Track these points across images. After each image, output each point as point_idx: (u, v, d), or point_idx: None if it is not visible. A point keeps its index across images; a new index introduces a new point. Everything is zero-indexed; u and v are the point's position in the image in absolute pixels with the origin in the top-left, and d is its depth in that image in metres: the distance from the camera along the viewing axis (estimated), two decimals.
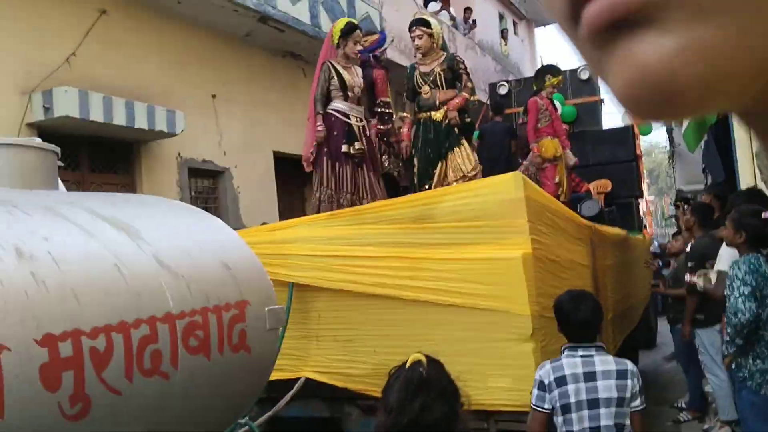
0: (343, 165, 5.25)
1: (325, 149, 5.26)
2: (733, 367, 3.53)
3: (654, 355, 7.03)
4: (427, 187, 5.36)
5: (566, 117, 9.71)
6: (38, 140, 2.36)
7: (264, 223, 4.74)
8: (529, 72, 17.66)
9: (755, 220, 3.48)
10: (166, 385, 2.18)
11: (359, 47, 5.41)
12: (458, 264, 3.41)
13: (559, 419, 2.63)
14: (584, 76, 10.01)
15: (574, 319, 2.72)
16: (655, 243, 9.07)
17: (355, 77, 5.37)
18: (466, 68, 5.64)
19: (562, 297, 2.85)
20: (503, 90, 10.58)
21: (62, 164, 2.50)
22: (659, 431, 5.76)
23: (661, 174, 36.58)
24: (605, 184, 9.39)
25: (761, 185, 4.45)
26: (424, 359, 1.78)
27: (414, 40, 5.56)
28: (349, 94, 5.33)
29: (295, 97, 9.42)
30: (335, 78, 5.30)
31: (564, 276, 3.95)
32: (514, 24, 18.09)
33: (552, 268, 3.69)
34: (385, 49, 6.49)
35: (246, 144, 8.71)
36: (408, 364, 1.78)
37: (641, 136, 10.70)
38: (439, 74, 5.47)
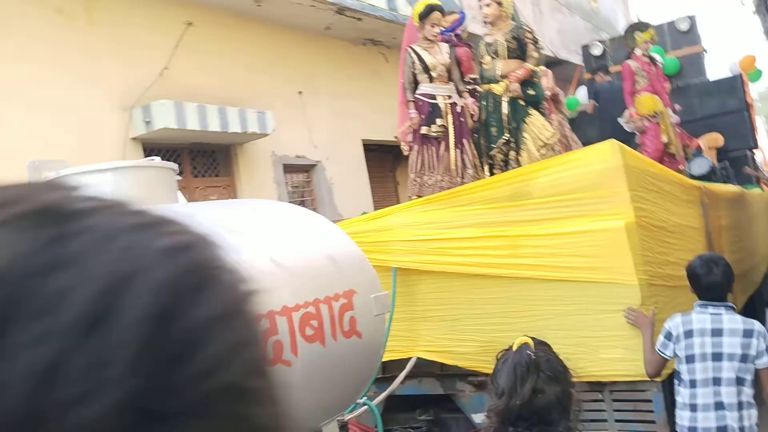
0: (430, 147, 5.30)
1: (418, 134, 5.36)
2: None
3: None
4: (491, 162, 5.31)
5: (669, 70, 9.28)
6: (158, 159, 2.63)
7: (365, 213, 4.92)
8: (623, 27, 16.94)
9: None
10: (289, 371, 2.41)
11: (438, 29, 5.43)
12: (559, 239, 3.44)
13: (683, 367, 2.86)
14: (683, 27, 9.54)
15: (706, 282, 2.90)
16: None
17: (438, 55, 5.39)
18: (534, 37, 5.43)
19: (695, 261, 3.03)
20: (597, 51, 10.27)
21: (180, 178, 2.78)
22: None
23: None
24: (716, 138, 8.94)
25: None
26: (531, 342, 1.81)
27: (482, 8, 5.46)
28: (433, 74, 5.37)
29: (380, 84, 9.60)
30: (417, 62, 5.37)
31: (672, 241, 3.89)
32: None
33: (659, 235, 3.65)
34: (466, 27, 6.48)
35: (335, 136, 8.98)
36: (515, 348, 1.81)
37: (751, 83, 10.06)
38: (502, 44, 5.32)
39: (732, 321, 2.85)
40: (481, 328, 3.68)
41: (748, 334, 2.82)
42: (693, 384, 2.84)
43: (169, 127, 6.69)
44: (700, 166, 7.55)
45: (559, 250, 3.42)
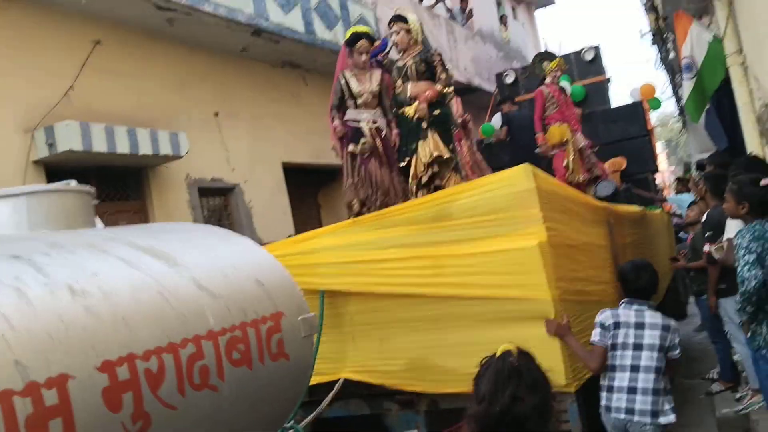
0: (360, 164, 5.46)
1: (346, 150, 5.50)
2: (748, 335, 3.59)
3: (684, 327, 7.16)
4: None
5: (575, 97, 9.89)
6: (74, 182, 2.60)
7: (291, 236, 4.96)
8: (531, 56, 17.86)
9: (756, 189, 3.54)
10: (216, 396, 2.42)
11: (365, 57, 5.57)
12: (478, 258, 3.62)
13: (608, 353, 3.38)
14: (589, 57, 10.20)
15: (634, 286, 3.47)
16: (674, 218, 9.22)
17: (366, 83, 5.55)
18: (441, 60, 5.63)
19: (626, 266, 3.65)
20: (509, 79, 10.79)
21: (97, 202, 2.74)
22: (692, 403, 5.94)
23: (680, 143, 36.50)
24: (620, 162, 9.55)
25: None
26: (514, 349, 1.82)
27: (392, 36, 5.66)
28: (359, 101, 5.54)
29: (299, 107, 9.67)
30: (345, 88, 5.55)
31: (581, 259, 4.16)
32: (513, 9, 18.21)
33: (569, 253, 3.90)
34: (388, 53, 6.70)
35: (253, 158, 8.94)
36: (498, 354, 1.82)
37: (651, 111, 10.85)
38: (412, 67, 5.52)
39: (653, 317, 3.37)
40: (407, 347, 3.79)
41: (665, 328, 3.34)
42: (613, 368, 3.33)
43: (74, 149, 6.46)
44: (605, 188, 8.05)
45: (479, 269, 3.59)
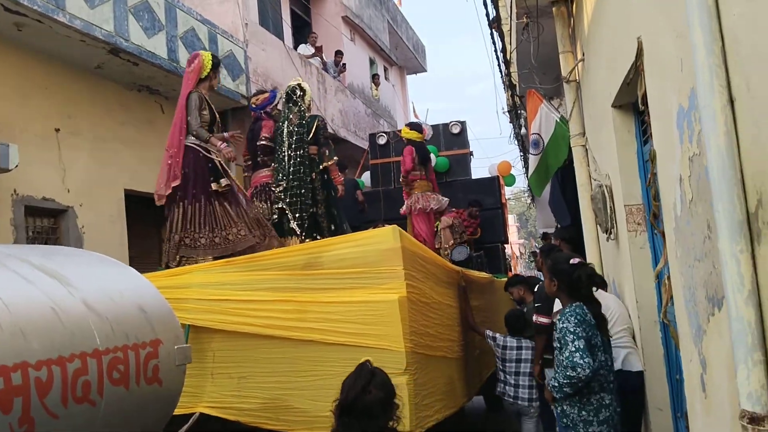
0: (212, 202, 5.67)
1: (189, 186, 5.62)
2: (558, 411, 3.64)
3: None
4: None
5: (440, 167, 10.88)
6: None
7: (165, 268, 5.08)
8: (399, 116, 19.05)
9: (566, 267, 3.63)
10: (93, 411, 2.68)
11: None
12: (342, 306, 4.10)
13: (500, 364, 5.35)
14: (455, 130, 11.30)
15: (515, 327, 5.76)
16: None
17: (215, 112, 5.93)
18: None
19: (509, 314, 5.83)
20: (382, 140, 11.60)
21: None
22: None
23: (531, 218, 39.60)
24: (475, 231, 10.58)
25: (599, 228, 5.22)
26: (371, 360, 2.53)
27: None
28: (214, 129, 5.83)
29: (152, 134, 9.21)
30: (206, 111, 5.78)
31: (433, 316, 4.76)
32: (385, 69, 19.39)
33: (423, 309, 4.48)
34: (276, 104, 7.09)
35: (93, 181, 8.41)
36: (361, 361, 2.55)
37: (506, 186, 12.09)
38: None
39: (527, 342, 5.68)
40: (265, 386, 4.14)
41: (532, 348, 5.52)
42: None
43: None
44: (460, 253, 8.90)
45: (342, 317, 4.06)
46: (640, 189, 4.07)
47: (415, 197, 9.17)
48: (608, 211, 4.44)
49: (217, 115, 5.95)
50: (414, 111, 19.45)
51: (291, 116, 6.61)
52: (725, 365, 2.05)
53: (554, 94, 7.52)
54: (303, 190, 6.41)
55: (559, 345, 3.53)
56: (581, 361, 3.33)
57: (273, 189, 6.55)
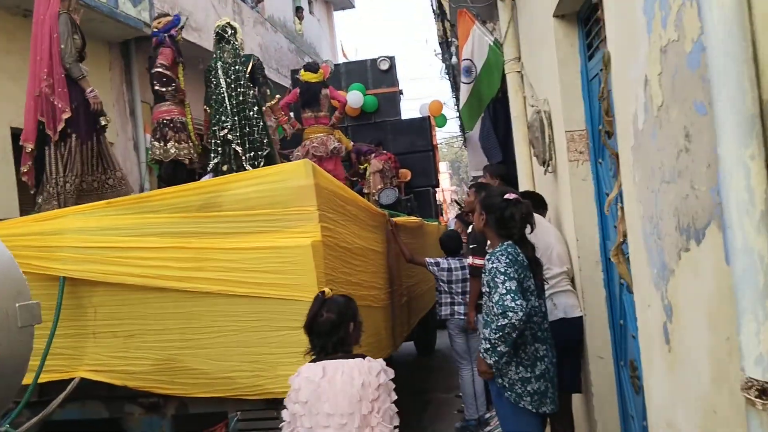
0: (101, 141, 5.34)
1: (81, 122, 5.21)
2: (493, 371, 3.21)
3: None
4: None
5: (368, 107, 10.26)
6: None
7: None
8: (326, 54, 18.13)
9: (499, 201, 3.30)
10: None
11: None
12: (247, 253, 3.53)
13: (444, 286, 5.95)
14: (384, 66, 10.62)
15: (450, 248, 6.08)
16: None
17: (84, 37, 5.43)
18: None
19: (443, 236, 6.24)
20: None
21: None
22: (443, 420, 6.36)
23: (462, 164, 39.58)
24: (405, 173, 10.10)
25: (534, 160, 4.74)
26: (328, 292, 2.85)
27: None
28: (84, 55, 5.39)
29: None
30: (78, 36, 5.29)
31: (356, 263, 4.26)
32: (310, 3, 18.32)
33: (343, 256, 3.97)
34: (182, 28, 6.41)
35: None
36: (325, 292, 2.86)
37: (437, 128, 11.59)
38: None
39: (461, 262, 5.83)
40: (157, 346, 3.58)
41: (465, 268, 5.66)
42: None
43: None
44: (388, 196, 8.43)
45: (246, 265, 3.51)
46: (583, 113, 3.63)
47: (305, 146, 7.99)
48: (546, 139, 3.98)
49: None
50: (342, 50, 18.60)
51: (224, 55, 6.22)
52: (705, 313, 1.62)
53: (488, 18, 6.94)
54: (254, 129, 6.01)
55: (488, 289, 3.16)
56: (512, 304, 3.00)
57: (215, 131, 6.03)
